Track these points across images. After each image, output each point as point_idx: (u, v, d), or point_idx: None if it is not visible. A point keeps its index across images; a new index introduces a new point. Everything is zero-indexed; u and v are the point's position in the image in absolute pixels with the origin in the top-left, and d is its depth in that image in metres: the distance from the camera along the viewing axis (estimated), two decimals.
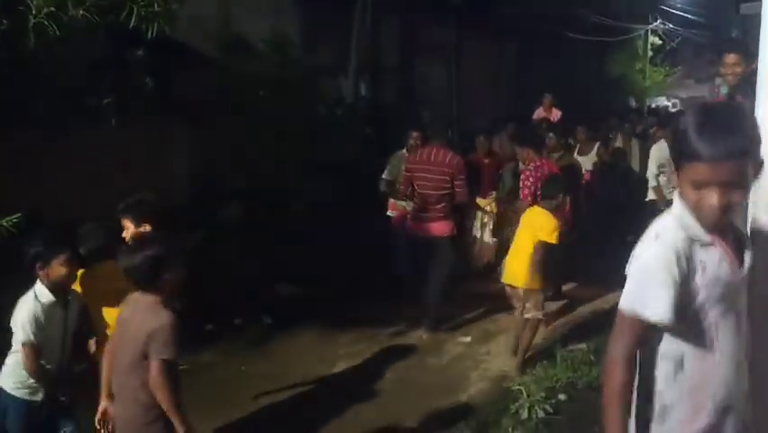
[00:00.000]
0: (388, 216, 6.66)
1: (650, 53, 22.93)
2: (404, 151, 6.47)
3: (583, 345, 5.35)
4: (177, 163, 7.73)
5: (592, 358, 5.10)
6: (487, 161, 7.39)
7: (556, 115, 9.82)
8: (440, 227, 5.70)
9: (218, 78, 6.83)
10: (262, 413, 4.45)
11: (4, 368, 3.33)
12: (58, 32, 3.20)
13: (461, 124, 11.82)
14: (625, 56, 20.93)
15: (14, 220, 3.63)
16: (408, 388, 4.85)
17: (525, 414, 4.30)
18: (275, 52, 6.96)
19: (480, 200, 7.16)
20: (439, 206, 5.65)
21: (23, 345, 3.15)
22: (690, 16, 22.56)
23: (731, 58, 4.59)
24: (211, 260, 6.86)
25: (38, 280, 3.31)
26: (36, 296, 3.25)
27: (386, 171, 6.52)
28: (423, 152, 5.76)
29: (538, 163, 5.87)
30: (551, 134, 6.72)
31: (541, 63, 15.84)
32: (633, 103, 20.00)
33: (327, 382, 4.94)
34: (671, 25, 22.80)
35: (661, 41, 23.04)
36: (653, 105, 20.49)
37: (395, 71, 11.26)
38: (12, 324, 3.26)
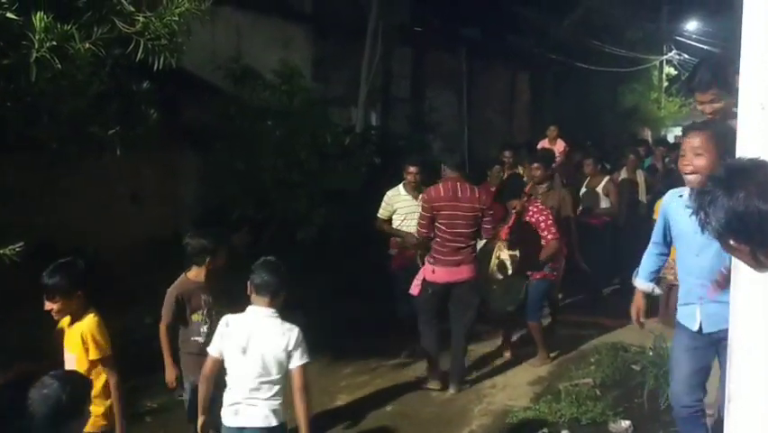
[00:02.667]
0: (389, 255, 6.35)
1: (665, 83, 22.92)
2: (399, 187, 6.13)
3: (588, 380, 5.26)
4: (185, 192, 7.81)
5: (598, 393, 5.02)
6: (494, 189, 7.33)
7: (561, 146, 9.78)
8: (470, 270, 5.14)
9: (228, 108, 6.91)
10: None
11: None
12: (60, 66, 3.27)
13: (472, 154, 11.84)
14: (639, 86, 20.94)
15: (17, 249, 3.64)
16: (410, 421, 4.79)
17: None
18: (284, 82, 7.04)
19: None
20: (469, 246, 5.12)
21: None
22: (704, 47, 22.55)
23: (705, 96, 3.72)
24: (217, 288, 6.88)
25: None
26: None
27: (381, 209, 6.17)
28: (447, 187, 5.08)
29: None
30: (536, 164, 6.46)
31: (553, 93, 15.89)
32: (646, 134, 19.93)
33: (329, 414, 4.88)
34: (686, 55, 22.80)
35: (676, 72, 23.04)
36: (664, 136, 20.37)
37: (405, 100, 11.34)
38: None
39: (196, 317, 3.82)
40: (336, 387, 5.37)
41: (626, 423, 4.52)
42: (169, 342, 3.83)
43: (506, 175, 7.09)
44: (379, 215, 6.17)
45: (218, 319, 3.74)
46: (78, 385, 2.45)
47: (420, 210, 5.22)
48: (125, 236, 6.98)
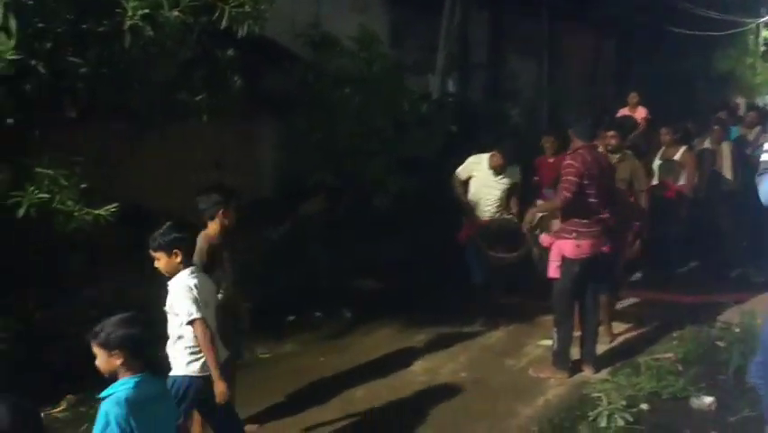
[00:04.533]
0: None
1: (761, 48, 21.53)
2: (485, 158, 6.04)
3: (670, 354, 5.12)
4: (264, 158, 7.98)
5: (679, 368, 4.88)
6: (551, 160, 7.11)
7: (642, 113, 9.36)
8: (608, 241, 4.92)
9: (306, 75, 6.98)
10: (337, 405, 4.52)
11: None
12: (152, 33, 3.40)
13: (553, 123, 11.53)
14: (734, 51, 19.74)
15: (112, 210, 3.84)
16: (484, 389, 4.80)
17: (603, 422, 4.16)
18: (362, 49, 7.04)
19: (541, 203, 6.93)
20: (607, 216, 4.84)
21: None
22: None
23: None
24: (294, 253, 7.06)
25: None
26: None
27: (461, 168, 6.11)
28: (588, 156, 4.73)
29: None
30: (611, 132, 5.89)
31: (641, 59, 15.20)
32: (740, 102, 18.83)
33: (403, 379, 4.96)
34: None
35: None
36: (761, 104, 19.17)
37: (484, 67, 11.12)
38: None
39: (215, 275, 3.85)
40: (410, 352, 5.42)
41: (708, 399, 4.38)
42: None
43: (552, 160, 6.94)
44: (456, 172, 6.13)
45: (234, 276, 3.96)
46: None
47: (565, 176, 4.70)
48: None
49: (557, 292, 4.89)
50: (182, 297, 3.28)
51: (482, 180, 6.03)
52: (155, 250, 3.33)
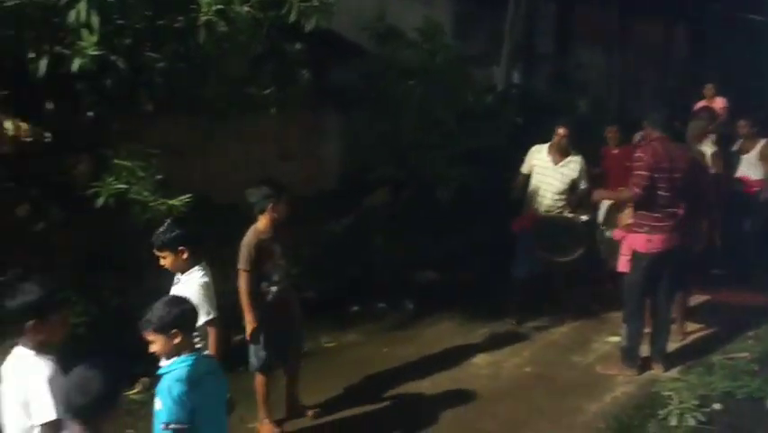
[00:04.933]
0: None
1: None
2: (544, 146, 5.84)
3: (745, 354, 4.93)
4: (328, 150, 8.07)
5: (755, 368, 4.70)
6: (615, 152, 6.90)
7: (720, 103, 8.98)
8: (682, 236, 4.74)
9: (370, 68, 7.00)
10: (402, 395, 4.55)
11: None
12: (225, 28, 3.50)
13: (623, 115, 11.22)
14: None
15: (186, 201, 3.96)
16: (549, 384, 4.74)
17: (674, 421, 4.06)
18: (426, 41, 7.01)
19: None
20: (681, 211, 4.70)
21: None
22: None
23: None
24: (358, 245, 7.13)
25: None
26: None
27: (524, 164, 5.95)
28: (662, 148, 4.59)
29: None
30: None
31: (716, 48, 14.58)
32: None
33: (466, 372, 4.95)
34: None
35: None
36: None
37: (550, 58, 10.91)
38: None
39: (267, 267, 3.96)
40: (473, 345, 5.41)
41: None
42: (251, 294, 3.91)
43: (617, 151, 6.71)
44: (521, 169, 6.00)
45: (285, 268, 3.98)
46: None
47: (636, 170, 4.59)
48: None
49: (627, 287, 4.78)
50: (199, 295, 3.29)
51: (542, 170, 5.82)
52: (160, 249, 3.36)
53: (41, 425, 2.45)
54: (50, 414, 2.44)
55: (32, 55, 3.29)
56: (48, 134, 4.05)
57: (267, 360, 4.01)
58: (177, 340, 2.73)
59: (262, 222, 3.92)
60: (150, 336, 2.75)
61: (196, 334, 3.26)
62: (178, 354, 2.75)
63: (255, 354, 4.04)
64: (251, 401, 4.10)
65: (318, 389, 4.45)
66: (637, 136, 6.64)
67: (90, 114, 4.11)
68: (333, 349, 5.39)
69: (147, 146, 4.08)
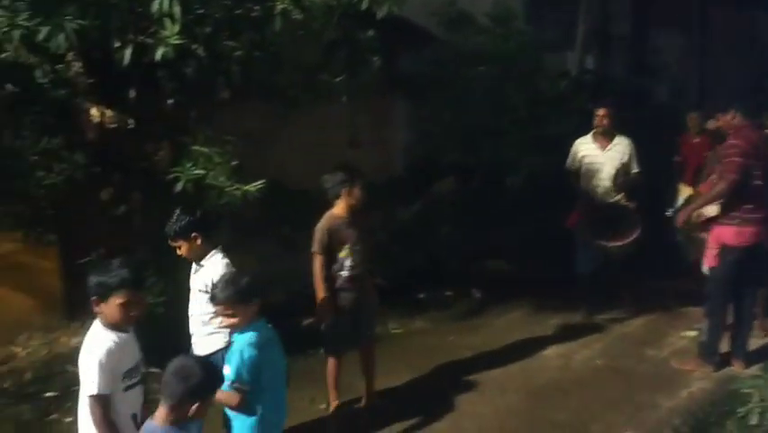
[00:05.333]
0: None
1: None
2: (589, 135, 5.60)
3: None
4: (397, 137, 8.08)
5: None
6: (697, 140, 6.59)
7: None
8: None
9: (440, 54, 6.96)
10: (471, 384, 4.54)
11: None
12: (300, 16, 3.55)
13: (704, 101, 10.77)
14: None
15: (260, 186, 4.03)
16: (623, 378, 4.63)
17: (754, 420, 3.88)
18: (498, 26, 6.90)
19: (683, 186, 6.46)
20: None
21: None
22: None
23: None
24: (425, 232, 7.13)
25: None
26: None
27: (568, 159, 5.73)
28: (754, 136, 4.44)
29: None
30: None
31: None
32: None
33: (535, 363, 4.89)
34: None
35: None
36: None
37: (626, 42, 10.55)
38: None
39: (341, 253, 3.97)
40: (542, 336, 5.34)
41: None
42: (324, 278, 3.94)
43: (697, 140, 6.40)
44: (567, 166, 5.74)
45: (361, 253, 3.97)
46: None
47: (730, 157, 4.33)
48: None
49: (713, 281, 4.58)
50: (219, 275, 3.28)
51: (590, 159, 5.59)
52: (174, 239, 3.40)
53: (88, 396, 2.59)
54: (92, 389, 2.57)
55: (117, 44, 3.41)
56: (131, 121, 4.21)
57: (336, 343, 4.07)
58: (255, 309, 2.93)
59: (337, 207, 3.97)
60: (233, 311, 2.90)
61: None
62: (251, 321, 2.93)
63: (326, 337, 4.09)
64: (321, 384, 4.17)
65: (386, 374, 4.49)
66: (710, 123, 6.36)
67: (170, 101, 4.24)
68: (401, 336, 5.43)
69: (223, 133, 4.18)
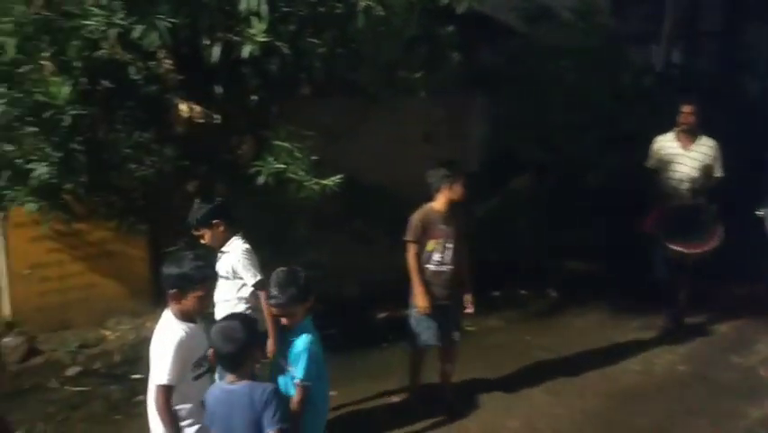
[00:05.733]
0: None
1: None
2: (670, 133, 5.32)
3: None
4: (473, 133, 8.01)
5: None
6: None
7: None
8: None
9: (520, 49, 6.85)
10: (547, 385, 4.47)
11: None
12: (382, 13, 3.58)
13: None
14: None
15: (338, 180, 4.09)
16: (707, 385, 4.48)
17: None
18: (580, 20, 6.73)
19: None
20: None
21: None
22: None
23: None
24: (499, 229, 7.05)
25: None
26: None
27: (648, 158, 5.44)
28: None
29: None
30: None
31: None
32: None
33: (614, 366, 4.77)
34: None
35: None
36: None
37: (716, 36, 10.08)
38: None
39: (431, 246, 3.97)
40: (622, 340, 5.20)
41: None
42: (418, 266, 3.96)
43: None
44: (647, 165, 5.47)
45: (453, 250, 3.95)
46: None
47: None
48: (418, 175, 7.46)
49: None
50: (245, 261, 3.44)
51: (671, 159, 5.30)
52: (197, 228, 3.47)
53: (155, 385, 2.70)
54: (162, 379, 2.67)
55: (206, 42, 3.54)
56: (217, 116, 4.34)
57: (418, 336, 4.07)
58: (309, 305, 2.97)
59: (437, 201, 4.01)
60: (291, 310, 2.93)
61: (245, 298, 3.49)
62: (304, 317, 2.98)
63: (410, 328, 4.10)
64: (396, 377, 4.20)
65: (460, 372, 4.47)
66: None
67: (254, 97, 4.35)
68: (475, 333, 5.37)
69: (303, 128, 4.26)
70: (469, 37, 5.89)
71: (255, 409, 2.48)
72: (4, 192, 3.68)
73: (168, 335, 2.73)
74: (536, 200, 7.32)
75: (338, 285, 6.27)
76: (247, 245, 3.53)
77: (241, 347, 2.49)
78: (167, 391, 2.68)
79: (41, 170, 3.52)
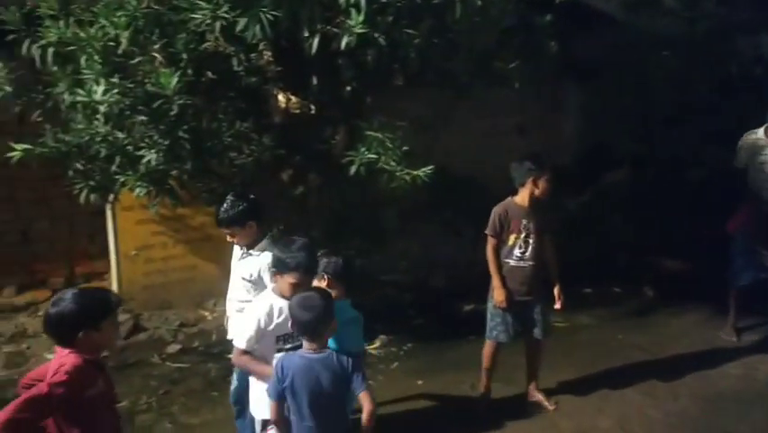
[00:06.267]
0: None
1: None
2: (760, 130, 4.87)
3: None
4: (567, 124, 7.82)
5: None
6: None
7: None
8: None
9: (619, 38, 6.62)
10: (635, 385, 4.33)
11: None
12: (480, 2, 3.55)
13: None
14: None
15: (428, 171, 4.09)
16: None
17: None
18: (685, 8, 6.43)
19: None
20: None
21: None
22: None
23: None
24: (593, 225, 6.86)
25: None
26: None
27: (738, 159, 4.99)
28: None
29: None
30: None
31: None
32: None
33: (711, 370, 4.56)
34: None
35: None
36: None
37: None
38: None
39: (512, 240, 3.88)
40: (724, 342, 4.97)
41: None
42: (497, 260, 3.91)
43: None
44: (735, 163, 5.04)
45: (534, 245, 3.83)
46: None
47: None
48: (509, 167, 7.35)
49: None
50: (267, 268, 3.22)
51: (759, 157, 4.89)
52: (227, 226, 3.30)
53: (234, 345, 2.94)
54: (240, 343, 2.90)
55: (305, 34, 3.62)
56: (312, 107, 4.45)
57: (492, 329, 4.03)
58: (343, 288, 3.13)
59: (520, 195, 3.95)
60: (333, 283, 3.06)
61: None
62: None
63: (488, 321, 4.07)
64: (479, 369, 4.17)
65: (548, 368, 4.40)
66: None
67: (348, 88, 4.42)
68: (565, 330, 5.28)
69: (395, 118, 4.29)
70: (565, 26, 5.77)
71: (346, 374, 2.66)
72: (116, 177, 3.91)
73: (260, 304, 2.92)
74: (633, 195, 7.07)
75: (426, 276, 6.31)
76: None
77: (318, 316, 2.63)
78: (243, 353, 2.90)
79: (149, 156, 3.71)
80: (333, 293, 2.95)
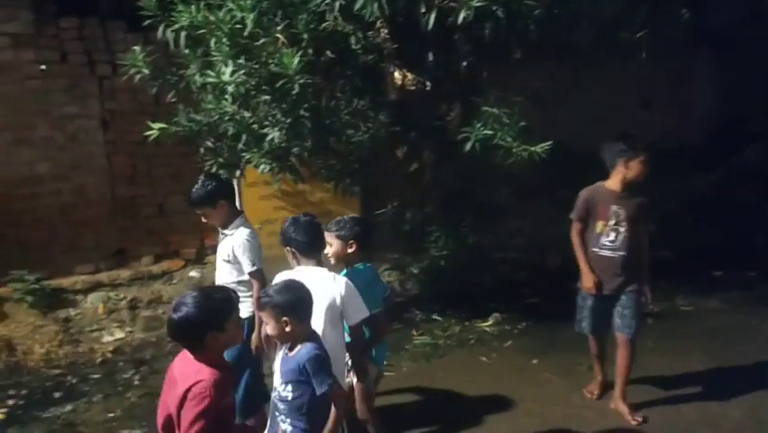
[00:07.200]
0: None
1: None
2: None
3: None
4: (696, 98, 7.35)
5: None
6: None
7: None
8: None
9: (756, 8, 6.10)
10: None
11: None
12: None
13: None
14: None
15: (546, 147, 3.97)
16: None
17: None
18: None
19: None
20: None
21: None
22: None
23: None
24: (725, 205, 6.45)
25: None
26: None
27: None
28: None
29: None
30: None
31: None
32: None
33: None
34: None
35: None
36: None
37: None
38: None
39: (599, 227, 3.57)
40: None
41: None
42: (582, 245, 3.63)
43: None
44: None
45: (627, 234, 3.51)
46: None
47: None
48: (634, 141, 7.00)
49: None
50: (246, 247, 3.20)
51: None
52: (199, 207, 3.25)
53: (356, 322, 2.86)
54: (364, 312, 2.87)
55: (422, 10, 3.62)
56: (428, 83, 4.45)
57: (580, 319, 3.80)
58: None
59: (611, 179, 3.62)
60: (353, 244, 3.11)
61: (244, 281, 3.27)
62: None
63: (577, 311, 3.83)
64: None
65: (673, 353, 4.22)
66: None
67: (464, 63, 4.38)
68: (691, 314, 5.03)
69: (512, 93, 4.19)
70: None
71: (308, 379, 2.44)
72: (242, 154, 4.11)
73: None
74: None
75: (540, 255, 6.18)
76: (250, 229, 3.30)
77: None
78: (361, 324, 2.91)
79: (273, 134, 3.87)
80: (356, 256, 3.10)
